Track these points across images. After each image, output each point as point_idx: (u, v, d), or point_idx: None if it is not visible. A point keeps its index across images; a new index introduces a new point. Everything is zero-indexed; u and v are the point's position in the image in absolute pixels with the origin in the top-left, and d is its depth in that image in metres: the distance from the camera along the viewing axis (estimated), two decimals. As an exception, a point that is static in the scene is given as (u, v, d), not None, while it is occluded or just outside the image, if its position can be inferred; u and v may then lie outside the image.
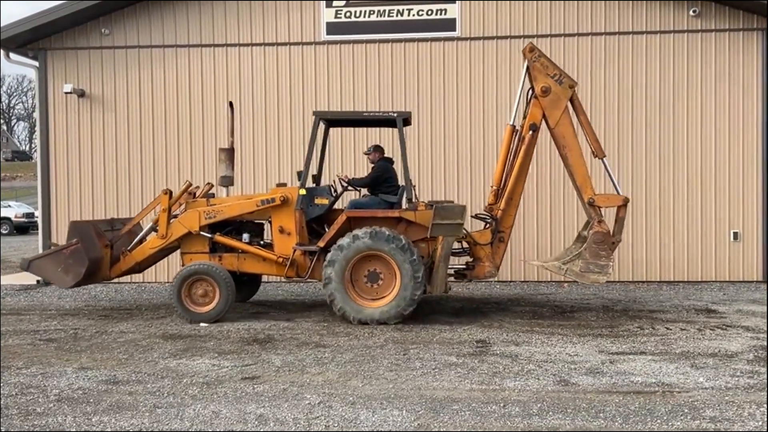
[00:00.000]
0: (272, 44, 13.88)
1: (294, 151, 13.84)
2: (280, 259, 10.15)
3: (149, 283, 13.77)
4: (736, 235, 13.22)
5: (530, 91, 10.13)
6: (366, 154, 10.86)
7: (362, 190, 10.86)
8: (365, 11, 13.63)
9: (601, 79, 13.34)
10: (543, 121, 10.04)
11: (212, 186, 11.20)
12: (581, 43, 13.36)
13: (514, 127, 10.23)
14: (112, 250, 10.52)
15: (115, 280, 11.19)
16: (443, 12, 13.52)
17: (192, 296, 10.01)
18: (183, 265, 10.36)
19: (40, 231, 14.40)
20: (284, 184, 10.84)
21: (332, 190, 10.89)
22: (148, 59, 14.07)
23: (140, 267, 10.88)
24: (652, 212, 13.30)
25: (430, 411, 5.99)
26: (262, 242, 10.66)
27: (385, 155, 10.65)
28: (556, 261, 10.22)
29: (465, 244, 10.33)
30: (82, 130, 14.18)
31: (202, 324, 9.87)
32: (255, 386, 6.77)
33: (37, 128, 14.60)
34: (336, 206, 10.77)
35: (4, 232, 32.07)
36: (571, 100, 10.04)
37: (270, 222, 10.41)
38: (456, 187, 13.57)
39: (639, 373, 7.13)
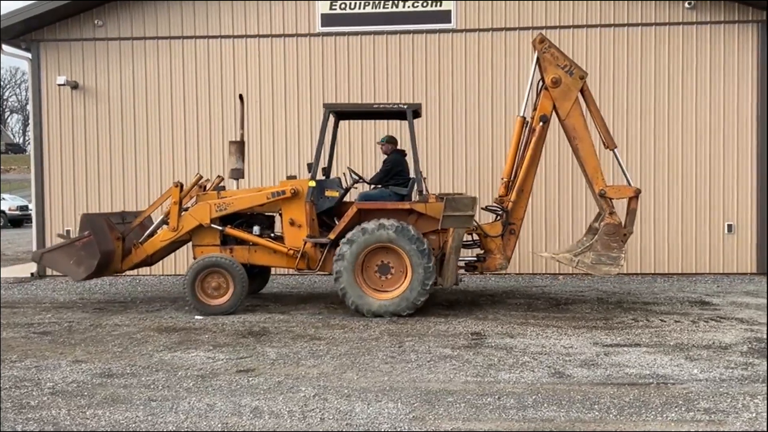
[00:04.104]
0: (267, 36, 13.82)
1: (289, 142, 13.81)
2: (291, 252, 10.14)
3: (143, 275, 13.74)
4: (730, 227, 13.25)
5: (540, 83, 10.05)
6: (379, 144, 10.83)
7: None
8: (360, 3, 13.58)
9: (596, 71, 13.29)
10: (553, 113, 9.97)
11: (222, 179, 11.18)
12: (576, 35, 13.34)
13: (524, 118, 10.14)
14: (123, 242, 10.52)
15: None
16: (438, 4, 13.49)
17: (204, 289, 10.01)
18: (195, 258, 10.36)
19: (34, 224, 14.36)
20: (294, 177, 10.77)
21: (342, 182, 10.83)
22: (141, 51, 14.01)
23: (152, 260, 10.86)
24: (646, 204, 13.29)
25: (425, 403, 5.99)
26: (272, 234, 10.63)
27: (398, 147, 10.65)
28: (567, 253, 10.12)
29: (475, 237, 10.27)
30: (76, 123, 14.12)
31: (197, 317, 9.86)
32: (250, 379, 6.76)
33: (31, 121, 14.53)
34: (345, 198, 10.71)
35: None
36: (582, 91, 9.96)
37: (280, 214, 10.38)
38: (452, 178, 13.56)
39: (633, 365, 7.14)
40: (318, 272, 10.33)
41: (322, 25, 13.68)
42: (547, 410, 5.80)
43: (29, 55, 14.15)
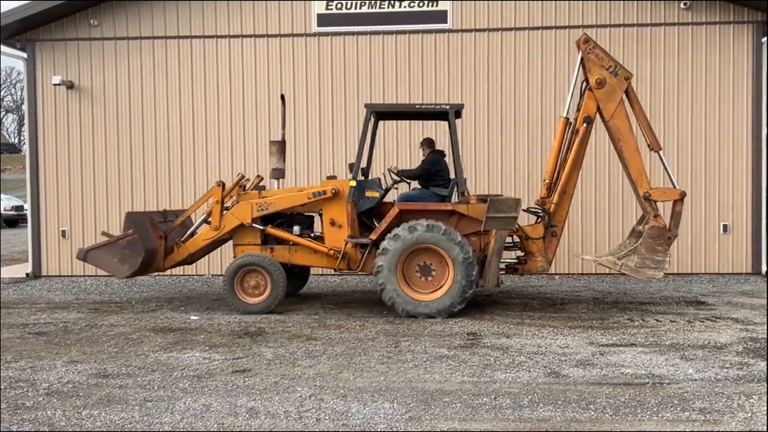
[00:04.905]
0: (263, 36, 13.82)
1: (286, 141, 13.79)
2: (331, 252, 10.13)
3: (139, 276, 13.68)
4: (725, 227, 13.28)
5: (584, 83, 9.96)
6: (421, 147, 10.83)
7: (413, 182, 10.73)
8: (356, 3, 13.58)
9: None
10: (597, 114, 9.88)
11: (262, 178, 11.20)
12: (573, 35, 13.33)
13: (567, 119, 10.05)
14: (166, 241, 10.55)
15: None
16: (435, 3, 13.49)
17: (244, 286, 10.05)
18: (235, 257, 10.38)
19: (29, 224, 14.33)
20: (334, 177, 10.71)
21: (382, 182, 10.77)
22: (137, 51, 13.99)
23: (192, 258, 10.89)
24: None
25: (421, 403, 5.99)
26: (312, 234, 10.61)
27: (437, 148, 10.62)
28: (611, 256, 9.99)
29: (516, 238, 10.18)
30: (71, 123, 14.10)
31: (192, 317, 9.85)
32: (246, 379, 6.75)
33: (26, 120, 14.50)
34: (384, 199, 10.64)
35: (-6, 224, 31.81)
36: (627, 92, 9.84)
37: (320, 214, 10.36)
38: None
39: (629, 364, 7.15)
40: (358, 273, 10.29)
41: (318, 25, 13.68)
42: (543, 410, 5.80)
43: (25, 55, 14.14)
